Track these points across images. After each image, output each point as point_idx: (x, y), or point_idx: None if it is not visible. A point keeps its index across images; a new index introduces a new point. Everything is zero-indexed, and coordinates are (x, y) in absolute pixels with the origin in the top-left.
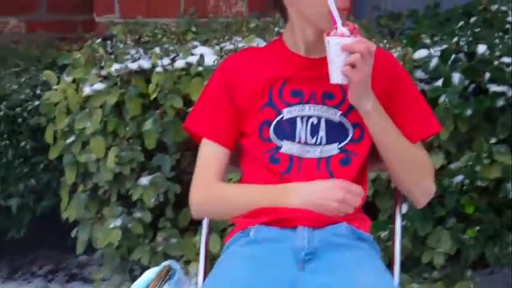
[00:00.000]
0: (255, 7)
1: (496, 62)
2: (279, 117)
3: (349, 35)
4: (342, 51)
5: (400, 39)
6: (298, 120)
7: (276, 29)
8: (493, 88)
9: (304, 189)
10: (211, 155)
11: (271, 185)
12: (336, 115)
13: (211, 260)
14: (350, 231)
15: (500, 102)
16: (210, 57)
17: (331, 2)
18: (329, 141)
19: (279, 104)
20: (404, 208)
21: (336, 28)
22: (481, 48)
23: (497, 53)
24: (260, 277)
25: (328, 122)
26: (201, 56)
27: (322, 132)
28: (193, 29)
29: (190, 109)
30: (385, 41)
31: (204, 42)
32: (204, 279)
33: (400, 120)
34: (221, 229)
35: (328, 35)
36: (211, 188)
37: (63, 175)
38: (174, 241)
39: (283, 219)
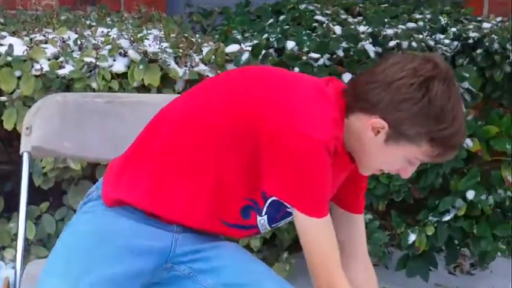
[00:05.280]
0: (65, 1)
1: (304, 58)
2: None
3: None
4: None
5: (212, 34)
6: None
7: (88, 22)
8: None
9: None
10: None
11: None
12: None
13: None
14: None
15: None
16: (20, 48)
17: None
18: None
19: None
20: None
21: None
22: (290, 44)
23: (306, 49)
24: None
25: None
26: (10, 46)
27: None
28: (1, 20)
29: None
30: (197, 36)
31: (13, 33)
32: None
33: None
34: (35, 216)
35: None
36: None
37: None
38: None
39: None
